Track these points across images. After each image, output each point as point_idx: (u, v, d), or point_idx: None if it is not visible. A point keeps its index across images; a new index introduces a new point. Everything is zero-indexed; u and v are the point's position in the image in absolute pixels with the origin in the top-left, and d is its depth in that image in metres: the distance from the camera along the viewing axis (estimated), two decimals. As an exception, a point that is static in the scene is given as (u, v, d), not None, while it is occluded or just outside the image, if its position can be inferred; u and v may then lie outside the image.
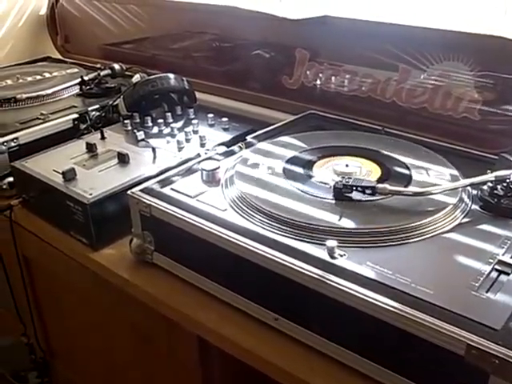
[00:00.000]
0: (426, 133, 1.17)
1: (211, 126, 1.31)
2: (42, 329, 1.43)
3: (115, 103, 1.38)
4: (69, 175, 1.07)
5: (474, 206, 0.89)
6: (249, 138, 1.14)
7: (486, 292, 0.70)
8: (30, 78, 1.61)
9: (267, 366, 0.81)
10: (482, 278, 0.72)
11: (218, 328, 0.86)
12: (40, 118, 1.34)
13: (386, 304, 0.68)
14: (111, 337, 1.20)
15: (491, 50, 1.09)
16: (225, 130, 1.29)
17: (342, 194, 0.88)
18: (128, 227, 0.99)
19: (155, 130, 1.29)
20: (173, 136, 1.24)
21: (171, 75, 1.38)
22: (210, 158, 1.05)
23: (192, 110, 1.37)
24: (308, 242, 0.80)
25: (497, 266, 0.74)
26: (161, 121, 1.31)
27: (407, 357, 0.69)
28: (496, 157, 1.00)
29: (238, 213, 0.88)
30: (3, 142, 1.22)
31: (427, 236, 0.81)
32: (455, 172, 0.97)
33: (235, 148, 1.11)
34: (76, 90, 1.53)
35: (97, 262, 1.03)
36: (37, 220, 1.16)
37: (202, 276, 0.90)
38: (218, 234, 0.83)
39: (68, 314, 1.32)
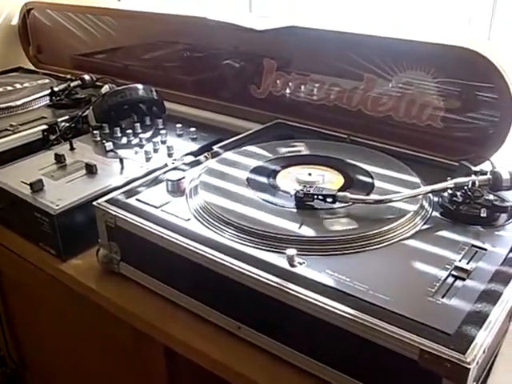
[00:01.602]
0: (391, 140, 1.19)
1: (179, 135, 1.32)
2: (14, 341, 1.42)
3: (84, 114, 1.38)
4: (36, 186, 1.07)
5: (435, 213, 0.91)
6: (215, 148, 1.15)
7: (442, 297, 0.71)
8: (0, 89, 1.61)
9: (233, 375, 0.82)
10: (438, 284, 0.74)
11: (184, 337, 0.87)
12: (9, 130, 1.34)
13: (343, 311, 0.69)
14: (81, 347, 1.20)
15: (453, 60, 1.11)
16: (193, 139, 1.30)
17: (303, 202, 0.90)
18: (95, 237, 0.99)
19: (124, 140, 1.30)
20: (141, 146, 1.25)
21: (140, 86, 1.39)
22: (175, 169, 1.06)
23: (161, 120, 1.38)
24: (268, 251, 0.81)
25: (453, 272, 0.76)
26: (130, 131, 1.31)
27: (365, 362, 0.70)
28: (457, 164, 1.02)
29: (200, 222, 0.89)
30: (-29, 154, 1.22)
31: (387, 243, 0.83)
32: (417, 179, 0.98)
33: (201, 158, 1.12)
34: (46, 100, 1.54)
35: (65, 273, 1.03)
36: (5, 231, 1.16)
37: (166, 285, 0.91)
38: (180, 243, 0.84)
39: (39, 326, 1.31)
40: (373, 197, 0.92)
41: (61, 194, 1.06)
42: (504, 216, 0.90)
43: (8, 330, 1.39)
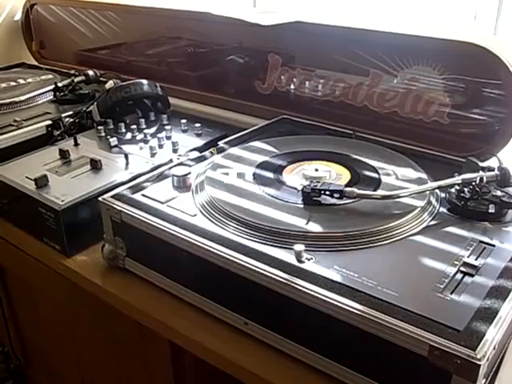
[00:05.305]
0: (397, 136, 1.19)
1: (184, 131, 1.32)
2: (18, 337, 1.42)
3: (89, 109, 1.38)
4: (41, 182, 1.07)
5: (442, 209, 0.91)
6: (220, 144, 1.15)
7: (451, 293, 0.71)
8: (3, 85, 1.61)
9: (238, 371, 0.81)
10: (447, 280, 0.73)
11: (190, 333, 0.86)
12: (13, 125, 1.33)
13: (352, 307, 0.69)
14: (85, 343, 1.20)
15: (459, 55, 1.10)
16: (198, 135, 1.29)
17: (310, 198, 0.89)
18: (100, 233, 0.99)
19: (129, 135, 1.29)
20: (146, 142, 1.24)
21: (144, 81, 1.38)
22: (181, 164, 1.06)
23: (165, 115, 1.37)
24: (276, 247, 0.80)
25: (462, 268, 0.75)
26: (134, 127, 1.31)
27: (374, 358, 0.70)
28: (464, 160, 1.02)
29: (207, 218, 0.89)
30: (-24, 149, 1.21)
31: (395, 239, 0.82)
32: (424, 175, 0.98)
33: (207, 153, 1.11)
34: (50, 96, 1.53)
35: (69, 269, 1.02)
36: (10, 227, 1.16)
37: (172, 281, 0.90)
38: (187, 239, 0.83)
39: (43, 322, 1.31)
40: (380, 192, 0.92)
41: (66, 190, 1.05)
42: (512, 212, 0.89)
43: (12, 326, 1.39)
